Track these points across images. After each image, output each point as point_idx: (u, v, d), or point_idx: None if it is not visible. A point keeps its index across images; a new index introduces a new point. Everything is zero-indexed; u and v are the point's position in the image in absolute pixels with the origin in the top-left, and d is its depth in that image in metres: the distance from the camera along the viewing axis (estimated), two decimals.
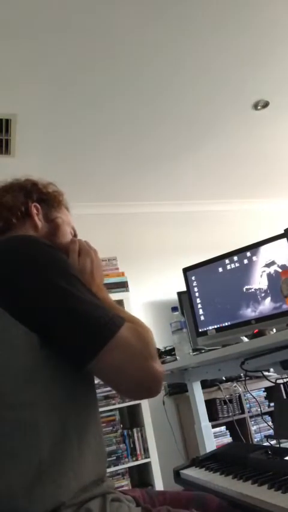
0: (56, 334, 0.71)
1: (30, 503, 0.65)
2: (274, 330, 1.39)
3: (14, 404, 0.68)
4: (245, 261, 1.84)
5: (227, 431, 3.22)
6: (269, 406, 3.32)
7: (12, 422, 0.68)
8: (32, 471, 0.66)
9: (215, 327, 1.88)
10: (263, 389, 3.37)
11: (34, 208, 0.97)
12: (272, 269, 1.76)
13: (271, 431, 3.02)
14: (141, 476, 3.18)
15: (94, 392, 0.82)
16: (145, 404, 3.12)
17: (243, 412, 3.26)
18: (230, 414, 3.17)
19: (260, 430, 3.26)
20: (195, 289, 1.98)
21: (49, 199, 1.01)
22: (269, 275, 1.76)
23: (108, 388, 3.06)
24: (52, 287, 0.72)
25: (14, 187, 1.00)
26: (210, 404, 3.13)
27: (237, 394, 3.26)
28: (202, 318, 1.93)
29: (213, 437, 1.95)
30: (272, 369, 1.61)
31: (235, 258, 1.87)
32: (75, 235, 1.06)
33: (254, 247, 1.83)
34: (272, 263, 1.76)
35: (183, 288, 2.12)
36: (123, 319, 0.75)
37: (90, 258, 0.97)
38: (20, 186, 1.00)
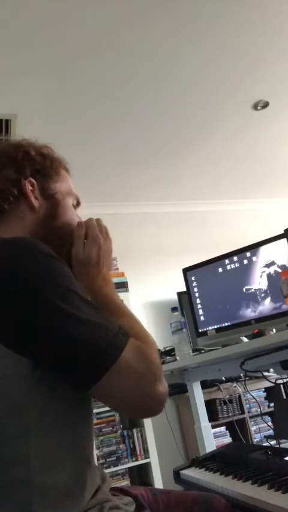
0: (52, 360, 0.64)
1: None
2: (274, 330, 1.39)
3: (4, 439, 0.63)
4: (245, 261, 1.84)
5: (227, 431, 3.22)
6: (268, 407, 3.31)
7: (1, 456, 0.62)
8: (25, 502, 0.62)
9: (215, 327, 1.88)
10: (263, 389, 3.37)
11: (29, 184, 0.83)
12: (271, 269, 1.76)
13: (271, 432, 3.03)
14: (141, 476, 3.18)
15: (90, 407, 0.76)
16: None
17: (243, 412, 3.26)
18: (230, 414, 3.17)
19: (260, 431, 3.25)
20: (195, 289, 1.98)
21: (45, 168, 0.87)
22: (269, 275, 1.76)
23: None
24: (45, 308, 0.63)
25: (3, 159, 0.85)
26: (210, 404, 3.12)
27: (237, 395, 3.26)
28: (202, 318, 1.93)
29: (213, 438, 1.95)
30: (271, 369, 1.61)
31: (235, 258, 1.87)
32: (78, 204, 0.94)
33: (254, 247, 1.83)
34: (272, 263, 1.76)
35: (183, 288, 2.12)
36: (127, 337, 0.68)
37: (98, 245, 0.86)
38: (9, 158, 0.85)
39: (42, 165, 0.87)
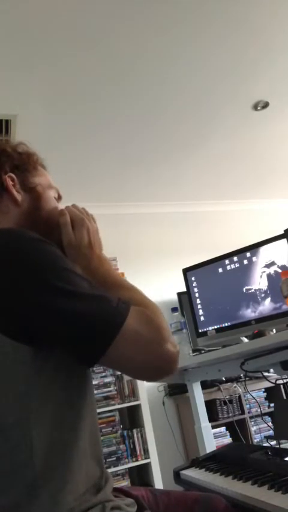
0: (55, 340, 0.66)
1: None
2: (274, 331, 1.39)
3: (6, 425, 0.64)
4: (245, 262, 1.84)
5: (227, 431, 3.22)
6: (269, 407, 3.32)
7: (3, 443, 0.64)
8: (28, 488, 0.63)
9: (215, 327, 1.88)
10: (263, 389, 3.37)
11: (9, 179, 0.85)
12: (271, 269, 1.76)
13: (271, 432, 3.02)
14: (141, 477, 3.18)
15: (92, 394, 0.77)
16: (145, 405, 3.12)
17: (243, 412, 3.26)
18: (230, 415, 3.17)
19: (260, 431, 3.25)
20: (195, 289, 1.98)
21: (23, 164, 0.89)
22: (269, 275, 1.76)
23: (108, 389, 3.06)
24: (44, 288, 0.64)
25: None
26: (210, 404, 3.12)
27: (237, 395, 3.26)
28: (202, 318, 1.93)
29: (213, 438, 1.95)
30: (272, 370, 1.61)
31: (235, 258, 1.87)
32: (59, 197, 0.96)
33: (254, 247, 1.83)
34: (272, 263, 1.76)
35: (183, 289, 2.12)
36: (128, 304, 0.70)
37: (86, 227, 0.88)
38: None
39: (19, 160, 0.89)
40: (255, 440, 3.18)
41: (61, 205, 0.96)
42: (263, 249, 1.80)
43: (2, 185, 0.84)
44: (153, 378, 0.77)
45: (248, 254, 1.83)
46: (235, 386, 3.22)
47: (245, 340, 1.61)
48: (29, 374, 0.65)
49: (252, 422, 3.26)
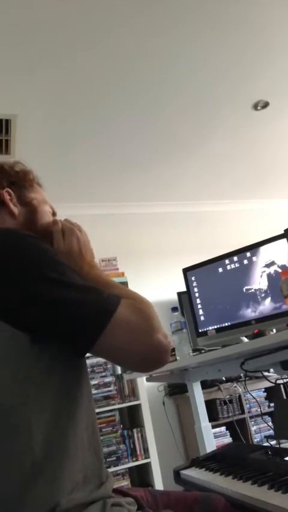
0: (50, 328, 0.69)
1: (25, 507, 0.63)
2: (274, 330, 1.39)
3: (4, 409, 0.66)
4: (245, 261, 1.84)
5: (227, 431, 3.22)
6: (269, 407, 3.31)
7: (2, 426, 0.66)
8: (26, 474, 0.64)
9: (215, 327, 1.88)
10: (263, 389, 3.37)
11: (6, 194, 0.92)
12: (272, 269, 1.76)
13: (271, 432, 3.02)
14: (141, 476, 3.18)
15: (88, 386, 0.79)
16: (145, 405, 3.12)
17: (243, 412, 3.26)
18: (230, 414, 3.17)
19: (260, 431, 3.25)
20: (195, 289, 1.98)
21: (19, 181, 0.96)
22: (269, 275, 1.76)
23: (108, 388, 3.06)
24: (40, 280, 0.69)
25: None
26: (210, 404, 3.12)
27: (237, 395, 3.26)
28: (202, 318, 1.93)
29: (213, 438, 1.95)
30: (272, 369, 1.61)
31: (235, 258, 1.87)
32: (53, 213, 1.01)
33: (254, 247, 1.83)
34: (272, 263, 1.76)
35: (183, 288, 2.12)
36: (119, 297, 0.73)
37: (76, 236, 0.93)
38: None
39: (16, 177, 0.96)
40: (255, 440, 3.18)
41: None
42: (263, 249, 1.80)
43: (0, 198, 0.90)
44: (145, 367, 0.79)
45: (248, 254, 1.83)
46: (235, 386, 3.22)
47: (245, 340, 1.61)
48: (28, 361, 0.68)
49: (252, 422, 3.26)
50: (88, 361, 2.76)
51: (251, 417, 3.26)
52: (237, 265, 1.86)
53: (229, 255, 1.89)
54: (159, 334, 0.72)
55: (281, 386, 1.57)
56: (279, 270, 1.72)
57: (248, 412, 3.26)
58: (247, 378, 2.08)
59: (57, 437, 0.68)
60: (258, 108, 2.97)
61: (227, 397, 3.18)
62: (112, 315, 0.70)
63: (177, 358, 1.72)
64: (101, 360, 3.05)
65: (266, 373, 1.61)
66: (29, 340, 0.68)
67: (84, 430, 0.73)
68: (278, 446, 1.44)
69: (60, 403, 0.70)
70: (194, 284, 1.99)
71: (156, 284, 3.80)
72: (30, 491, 0.64)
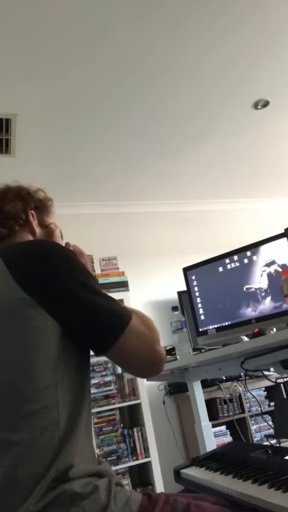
0: (80, 324, 0.83)
1: (53, 469, 0.76)
2: (274, 330, 1.39)
3: (42, 386, 0.78)
4: (245, 261, 1.84)
5: (227, 430, 3.22)
6: (269, 406, 3.32)
7: (40, 401, 0.78)
8: (55, 444, 0.77)
9: (215, 326, 1.88)
10: (263, 388, 3.37)
11: (31, 215, 1.07)
12: (272, 268, 1.76)
13: (271, 431, 3.02)
14: (141, 475, 3.18)
15: (90, 380, 0.95)
16: (145, 404, 3.12)
17: (243, 411, 3.26)
18: (230, 414, 3.17)
19: (260, 430, 3.26)
20: (196, 288, 1.98)
21: (41, 206, 1.12)
22: (269, 274, 1.76)
23: (109, 388, 3.06)
24: (80, 284, 0.84)
25: (10, 195, 1.08)
26: (210, 403, 3.13)
27: (238, 394, 3.26)
28: (202, 317, 1.93)
29: (213, 437, 1.95)
30: (272, 369, 1.61)
31: (235, 257, 1.87)
32: (61, 236, 1.16)
33: (254, 246, 1.83)
34: (272, 262, 1.76)
35: (184, 288, 2.12)
36: (131, 310, 0.88)
37: (85, 260, 1.07)
38: (15, 194, 1.09)
39: (39, 203, 1.12)
40: (256, 439, 3.19)
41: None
42: (263, 248, 1.80)
43: (26, 217, 1.06)
44: (146, 373, 0.93)
45: (249, 253, 1.83)
46: (235, 385, 3.22)
47: (245, 339, 1.61)
48: (58, 351, 0.81)
49: (253, 421, 3.26)
50: None
51: (251, 416, 3.26)
52: (237, 264, 1.86)
53: (229, 254, 1.89)
54: (160, 346, 0.89)
55: (281, 385, 1.57)
56: (280, 269, 1.72)
57: (248, 411, 3.27)
58: (247, 377, 2.08)
59: (75, 416, 0.82)
60: (259, 107, 2.97)
61: (227, 396, 3.18)
62: (129, 322, 0.85)
63: (178, 357, 1.72)
64: (101, 359, 3.06)
65: (266, 372, 1.61)
66: (62, 333, 0.82)
67: (89, 415, 0.89)
68: (278, 445, 1.45)
69: (77, 390, 0.85)
70: (194, 283, 1.99)
71: (157, 283, 3.80)
72: (58, 457, 0.76)
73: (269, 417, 3.27)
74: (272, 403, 3.22)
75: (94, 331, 0.84)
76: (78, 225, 3.47)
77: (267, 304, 1.74)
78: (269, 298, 1.74)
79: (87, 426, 0.87)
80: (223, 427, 3.22)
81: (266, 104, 2.95)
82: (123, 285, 3.35)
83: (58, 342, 0.81)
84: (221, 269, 1.91)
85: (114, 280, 3.33)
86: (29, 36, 2.06)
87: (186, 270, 2.03)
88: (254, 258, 1.82)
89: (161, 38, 2.23)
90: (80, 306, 0.83)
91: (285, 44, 2.45)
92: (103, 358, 3.04)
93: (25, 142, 2.82)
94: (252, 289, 1.80)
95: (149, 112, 2.82)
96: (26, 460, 0.75)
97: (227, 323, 1.84)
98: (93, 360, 3.05)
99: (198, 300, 1.96)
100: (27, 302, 0.80)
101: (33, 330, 0.80)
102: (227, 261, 1.89)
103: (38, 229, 1.08)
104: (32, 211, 1.08)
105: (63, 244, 1.11)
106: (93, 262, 3.25)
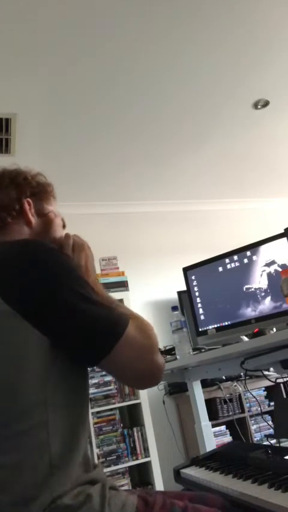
0: (68, 335, 0.75)
1: (40, 493, 0.70)
2: (274, 330, 1.39)
3: (28, 404, 0.72)
4: (245, 261, 1.84)
5: (227, 430, 3.22)
6: (269, 406, 3.31)
7: (26, 421, 0.72)
8: (44, 467, 0.71)
9: (215, 326, 1.88)
10: (263, 388, 3.37)
11: (27, 204, 0.96)
12: (272, 268, 1.76)
13: (271, 431, 3.03)
14: (141, 475, 3.18)
15: (88, 390, 0.88)
16: (145, 404, 3.12)
17: (243, 411, 3.26)
18: (230, 413, 3.17)
19: (260, 430, 3.25)
20: (196, 288, 1.98)
21: (39, 192, 1.00)
22: (269, 274, 1.76)
23: (108, 388, 3.06)
24: (68, 293, 0.75)
25: (5, 181, 0.97)
26: (210, 403, 3.12)
27: (237, 394, 3.26)
28: (202, 317, 1.93)
29: (213, 437, 1.95)
30: (272, 368, 1.61)
31: (235, 257, 1.88)
32: (64, 226, 1.06)
33: (254, 246, 1.83)
34: (272, 262, 1.76)
35: (184, 287, 2.12)
36: (127, 316, 0.80)
37: (84, 253, 0.97)
38: (10, 181, 0.98)
39: (37, 189, 1.01)
40: (255, 439, 3.19)
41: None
42: (263, 248, 1.80)
43: (20, 207, 0.95)
44: (144, 384, 0.86)
45: (248, 253, 1.84)
46: (235, 385, 3.22)
47: (245, 339, 1.61)
48: (47, 363, 0.74)
49: (253, 421, 3.26)
50: None
51: (251, 416, 3.26)
52: (237, 264, 1.86)
53: (229, 254, 1.90)
54: (158, 354, 0.81)
55: (281, 385, 1.57)
56: (279, 269, 1.72)
57: (248, 411, 3.27)
58: (247, 377, 2.08)
59: (68, 433, 0.76)
60: (259, 107, 2.97)
61: (227, 396, 3.18)
62: (123, 332, 0.76)
63: (177, 357, 1.72)
64: None
65: (266, 372, 1.61)
66: (49, 344, 0.74)
67: (86, 427, 0.81)
68: (278, 445, 1.45)
69: (71, 404, 0.78)
70: (194, 283, 1.99)
71: (157, 283, 3.80)
72: (48, 481, 0.71)
73: (269, 417, 3.27)
74: (272, 403, 3.22)
75: (83, 343, 0.75)
76: (78, 225, 3.46)
77: (267, 304, 1.74)
78: (268, 298, 1.75)
79: (84, 441, 0.80)
80: (223, 427, 3.22)
81: (266, 103, 2.94)
82: (123, 285, 3.35)
83: (46, 356, 0.74)
84: (221, 269, 1.91)
85: (114, 280, 3.33)
86: (29, 36, 2.05)
87: (186, 270, 2.03)
88: (254, 258, 1.82)
89: (160, 39, 2.23)
90: (68, 317, 0.74)
91: (285, 44, 2.45)
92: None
93: (25, 142, 2.82)
94: (252, 289, 1.80)
95: (148, 112, 2.82)
96: (13, 484, 0.69)
97: (226, 323, 1.84)
98: None
99: (198, 299, 1.96)
100: (8, 314, 0.73)
101: (15, 344, 0.73)
102: (227, 260, 1.89)
103: (34, 219, 0.96)
104: (29, 199, 0.97)
105: (63, 235, 1.01)
106: None
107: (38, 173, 1.04)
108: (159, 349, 0.85)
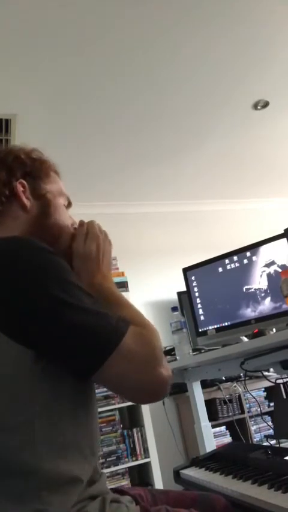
0: (54, 349, 0.67)
1: None
2: (274, 330, 1.39)
3: (9, 426, 0.65)
4: (245, 261, 1.84)
5: (227, 431, 3.22)
6: (268, 406, 3.31)
7: (8, 444, 0.64)
8: (33, 492, 0.64)
9: (215, 326, 1.88)
10: (263, 389, 3.37)
11: (20, 185, 0.86)
12: (271, 269, 1.76)
13: (271, 431, 3.03)
14: (141, 476, 3.18)
15: (95, 406, 0.78)
16: (145, 405, 3.12)
17: (243, 412, 3.26)
18: (230, 414, 3.17)
19: (260, 430, 3.25)
20: (195, 289, 1.98)
21: (35, 171, 0.90)
22: (269, 275, 1.76)
23: None
24: (46, 298, 0.65)
25: None
26: (210, 404, 3.12)
27: (237, 394, 3.26)
28: (202, 317, 1.93)
29: (213, 437, 1.95)
30: (271, 369, 1.61)
31: (235, 258, 1.87)
32: (69, 204, 0.97)
33: (254, 247, 1.83)
34: (272, 263, 1.76)
35: (183, 288, 2.12)
36: (127, 324, 0.70)
37: (97, 243, 0.90)
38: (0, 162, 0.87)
39: (32, 167, 0.90)
40: (255, 440, 3.18)
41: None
42: (263, 249, 1.80)
43: (12, 190, 0.85)
44: (144, 400, 0.78)
45: (248, 253, 1.84)
46: (235, 386, 3.22)
47: (245, 339, 1.61)
48: (32, 381, 0.66)
49: (252, 422, 3.26)
50: None
51: (250, 417, 3.26)
52: (237, 264, 1.86)
53: (229, 255, 1.90)
54: (162, 367, 0.70)
55: (281, 386, 1.57)
56: (279, 270, 1.72)
57: (248, 412, 3.26)
58: (247, 378, 2.08)
59: (61, 450, 0.67)
60: (258, 107, 2.97)
61: (227, 396, 3.18)
62: (118, 344, 0.67)
63: (177, 357, 1.72)
64: None
65: (265, 373, 1.61)
66: (34, 357, 0.66)
67: (86, 446, 0.72)
68: (277, 445, 1.45)
69: (65, 419, 0.69)
70: (194, 284, 1.99)
71: (156, 284, 3.80)
72: (38, 503, 0.63)
73: (269, 418, 3.27)
74: (272, 404, 3.22)
75: (72, 356, 0.67)
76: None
77: (266, 305, 1.74)
78: (268, 299, 1.74)
79: (88, 446, 0.72)
80: (223, 428, 3.22)
81: (265, 104, 2.95)
82: (122, 285, 3.35)
83: (31, 370, 0.65)
84: (220, 269, 1.91)
85: (114, 280, 3.32)
86: (29, 36, 2.05)
87: (186, 271, 2.03)
88: (254, 258, 1.82)
89: (160, 38, 2.23)
90: (52, 329, 0.65)
91: (285, 44, 2.45)
92: None
93: (25, 142, 2.82)
94: (252, 290, 1.80)
95: (148, 112, 2.82)
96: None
97: (226, 323, 1.84)
98: None
99: (198, 300, 1.96)
100: None
101: None
102: (227, 261, 1.89)
103: (29, 202, 0.85)
104: (22, 180, 0.86)
105: (75, 221, 0.93)
106: None
107: (33, 149, 0.94)
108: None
